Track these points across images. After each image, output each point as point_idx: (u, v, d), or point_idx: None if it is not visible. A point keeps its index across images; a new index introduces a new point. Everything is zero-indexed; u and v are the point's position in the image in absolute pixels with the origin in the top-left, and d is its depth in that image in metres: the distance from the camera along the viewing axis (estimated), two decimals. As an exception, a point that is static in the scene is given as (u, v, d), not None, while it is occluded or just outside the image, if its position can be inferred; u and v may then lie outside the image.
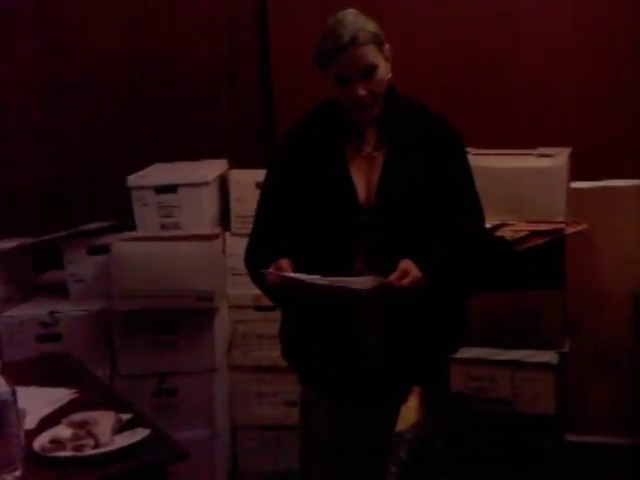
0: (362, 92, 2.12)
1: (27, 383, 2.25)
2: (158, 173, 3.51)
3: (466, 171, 2.24)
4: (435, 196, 2.17)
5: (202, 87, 3.88)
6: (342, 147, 2.21)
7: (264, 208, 2.31)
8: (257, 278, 2.20)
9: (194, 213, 3.37)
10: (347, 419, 2.25)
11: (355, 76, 2.11)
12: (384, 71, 2.15)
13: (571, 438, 3.23)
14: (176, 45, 3.87)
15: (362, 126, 2.21)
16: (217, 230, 3.43)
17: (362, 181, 2.19)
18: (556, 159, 3.18)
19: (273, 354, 2.97)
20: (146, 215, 3.37)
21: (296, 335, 2.30)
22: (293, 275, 2.07)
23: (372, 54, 2.12)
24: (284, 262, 2.12)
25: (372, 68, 2.12)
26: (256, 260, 2.21)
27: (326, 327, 2.18)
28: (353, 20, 2.12)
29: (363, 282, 2.03)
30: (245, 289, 3.23)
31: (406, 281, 2.03)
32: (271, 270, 2.10)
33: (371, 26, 2.13)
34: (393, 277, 2.04)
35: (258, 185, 2.84)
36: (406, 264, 2.07)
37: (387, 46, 2.17)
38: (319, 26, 2.17)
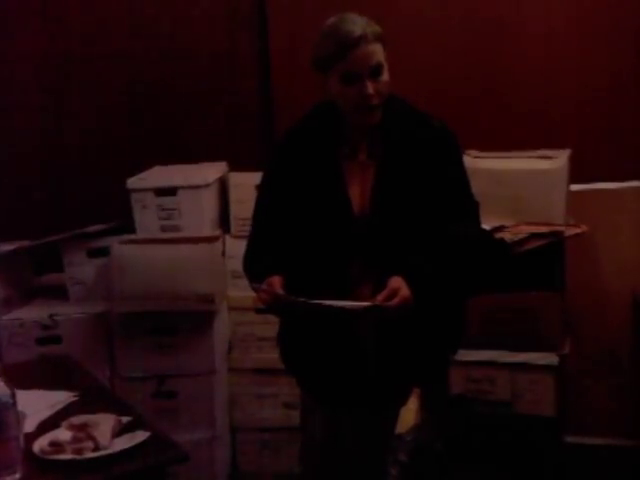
0: (371, 91, 2.06)
1: (27, 386, 2.24)
2: (158, 175, 3.51)
3: (461, 174, 2.22)
4: (430, 203, 2.14)
5: (201, 90, 3.87)
6: (336, 154, 2.17)
7: (260, 214, 2.29)
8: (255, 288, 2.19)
9: (194, 215, 3.37)
10: (343, 422, 2.23)
11: (365, 74, 2.05)
12: (388, 73, 2.11)
13: (571, 440, 3.22)
14: (176, 46, 3.86)
15: (357, 132, 2.17)
16: (217, 232, 3.43)
17: (356, 190, 2.16)
18: (556, 161, 3.17)
19: (273, 356, 2.95)
20: (146, 217, 3.38)
21: (293, 341, 2.29)
22: (284, 295, 2.06)
23: (380, 53, 2.08)
24: (275, 280, 2.10)
25: (380, 67, 2.08)
26: (253, 268, 2.22)
27: (321, 334, 2.17)
28: (359, 18, 2.08)
29: (354, 305, 2.01)
30: (245, 291, 3.17)
31: (394, 301, 2.00)
32: (263, 287, 2.08)
33: (376, 26, 2.09)
34: (381, 297, 2.00)
35: (257, 188, 2.84)
36: (395, 282, 2.03)
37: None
38: (319, 27, 2.14)
